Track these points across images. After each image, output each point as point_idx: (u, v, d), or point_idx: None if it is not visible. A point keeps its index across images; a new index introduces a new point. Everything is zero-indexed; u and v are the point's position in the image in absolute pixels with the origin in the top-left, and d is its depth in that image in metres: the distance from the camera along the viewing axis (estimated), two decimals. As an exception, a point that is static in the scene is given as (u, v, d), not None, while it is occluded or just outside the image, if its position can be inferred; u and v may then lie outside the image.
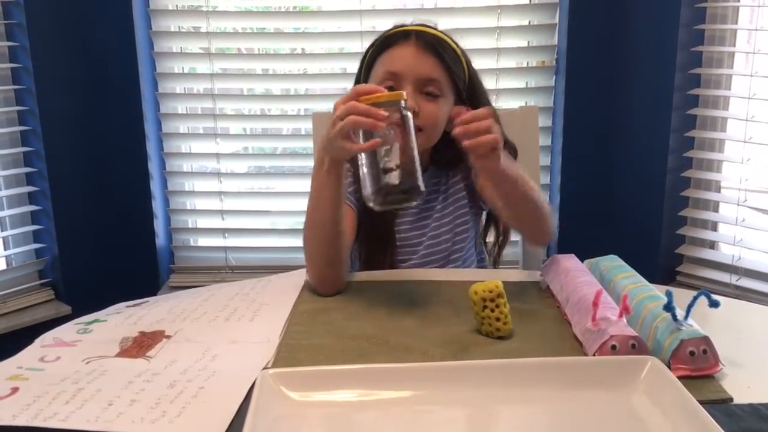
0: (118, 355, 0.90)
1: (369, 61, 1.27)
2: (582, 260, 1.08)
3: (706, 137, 1.95)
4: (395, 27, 1.27)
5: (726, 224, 1.96)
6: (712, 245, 2.01)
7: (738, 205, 1.89)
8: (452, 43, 1.25)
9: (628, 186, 2.05)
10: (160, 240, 2.18)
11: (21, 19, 1.89)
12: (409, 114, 0.97)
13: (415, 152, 0.96)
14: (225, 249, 2.21)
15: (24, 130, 1.97)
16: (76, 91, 2.02)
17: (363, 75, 1.28)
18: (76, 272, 2.07)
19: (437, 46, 1.21)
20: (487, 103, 1.29)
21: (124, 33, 2.01)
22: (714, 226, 2.01)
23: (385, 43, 1.24)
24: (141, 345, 0.93)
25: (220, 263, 2.22)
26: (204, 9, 2.08)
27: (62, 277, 2.05)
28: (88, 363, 0.88)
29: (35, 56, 1.91)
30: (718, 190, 1.98)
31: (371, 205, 0.97)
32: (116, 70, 2.03)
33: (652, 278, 1.00)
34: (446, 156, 1.26)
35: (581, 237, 2.04)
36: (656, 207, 2.00)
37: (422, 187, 0.96)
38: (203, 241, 2.29)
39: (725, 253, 1.96)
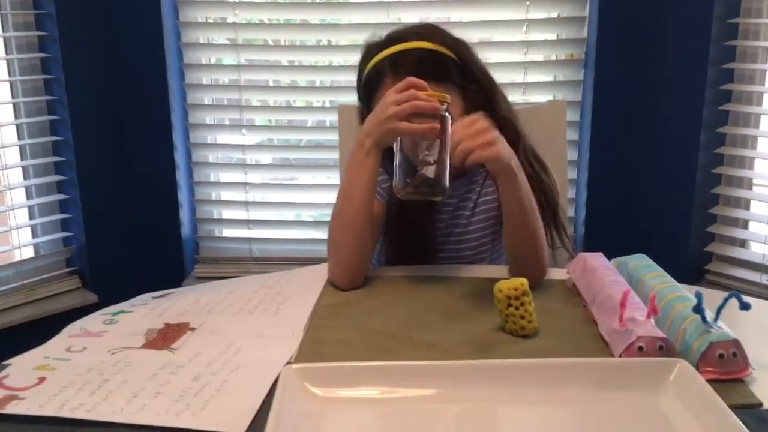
0: (144, 346, 0.91)
1: (363, 98, 1.28)
2: (609, 258, 1.07)
3: (738, 133, 1.92)
4: (368, 43, 1.26)
5: (757, 222, 1.92)
6: (742, 243, 1.97)
7: (770, 202, 1.85)
8: (432, 46, 1.19)
9: (657, 182, 2.02)
10: (186, 230, 2.20)
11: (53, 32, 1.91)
12: (449, 115, 1.03)
13: (448, 153, 1.02)
14: (249, 240, 2.22)
15: (53, 119, 1.99)
16: (104, 82, 2.03)
17: (362, 99, 1.30)
18: (102, 261, 2.09)
19: (415, 72, 1.11)
20: (487, 80, 1.26)
21: (151, 24, 2.02)
22: (745, 224, 1.97)
23: (367, 89, 1.24)
24: (166, 337, 0.93)
25: (245, 254, 2.23)
26: (230, 0, 2.08)
27: (89, 266, 2.07)
28: (113, 354, 0.89)
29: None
30: (750, 187, 1.94)
31: (399, 192, 1.03)
32: (143, 61, 2.04)
33: (680, 276, 0.99)
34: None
35: (609, 234, 2.03)
36: (686, 204, 1.97)
37: (447, 187, 1.02)
38: (228, 232, 2.30)
39: (756, 251, 1.93)
